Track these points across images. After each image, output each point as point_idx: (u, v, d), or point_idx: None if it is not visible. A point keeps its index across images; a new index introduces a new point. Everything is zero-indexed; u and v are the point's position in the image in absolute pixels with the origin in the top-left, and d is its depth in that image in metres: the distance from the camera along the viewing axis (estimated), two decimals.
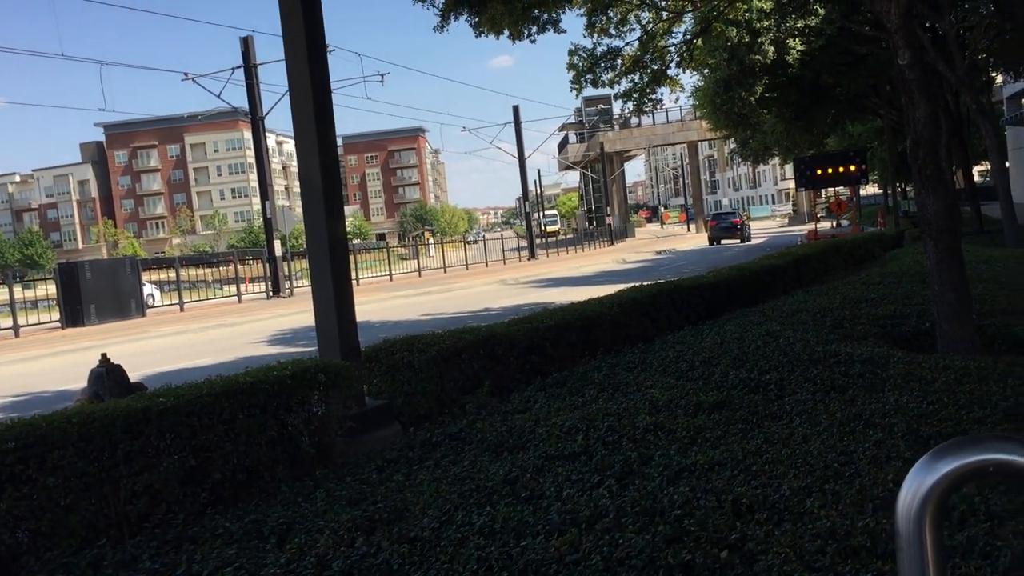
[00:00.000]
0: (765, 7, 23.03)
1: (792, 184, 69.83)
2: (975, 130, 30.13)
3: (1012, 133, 45.96)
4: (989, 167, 38.61)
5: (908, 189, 46.89)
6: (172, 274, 29.34)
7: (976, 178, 40.48)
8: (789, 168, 59.57)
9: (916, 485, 1.22)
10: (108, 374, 6.14)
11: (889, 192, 44.03)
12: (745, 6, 20.91)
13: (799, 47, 23.48)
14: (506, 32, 13.00)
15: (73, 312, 23.20)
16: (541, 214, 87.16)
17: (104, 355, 6.34)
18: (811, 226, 36.03)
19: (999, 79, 37.37)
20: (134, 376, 6.69)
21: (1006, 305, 9.38)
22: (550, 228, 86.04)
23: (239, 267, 32.14)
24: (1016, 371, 5.95)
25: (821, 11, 23.04)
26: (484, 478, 4.61)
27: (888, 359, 6.73)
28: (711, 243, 46.99)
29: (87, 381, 6.22)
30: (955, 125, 25.95)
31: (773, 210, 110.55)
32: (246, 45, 29.48)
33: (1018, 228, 20.98)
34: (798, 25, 23.34)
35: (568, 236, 76.70)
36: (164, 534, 4.25)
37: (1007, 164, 31.93)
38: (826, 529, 3.45)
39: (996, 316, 8.68)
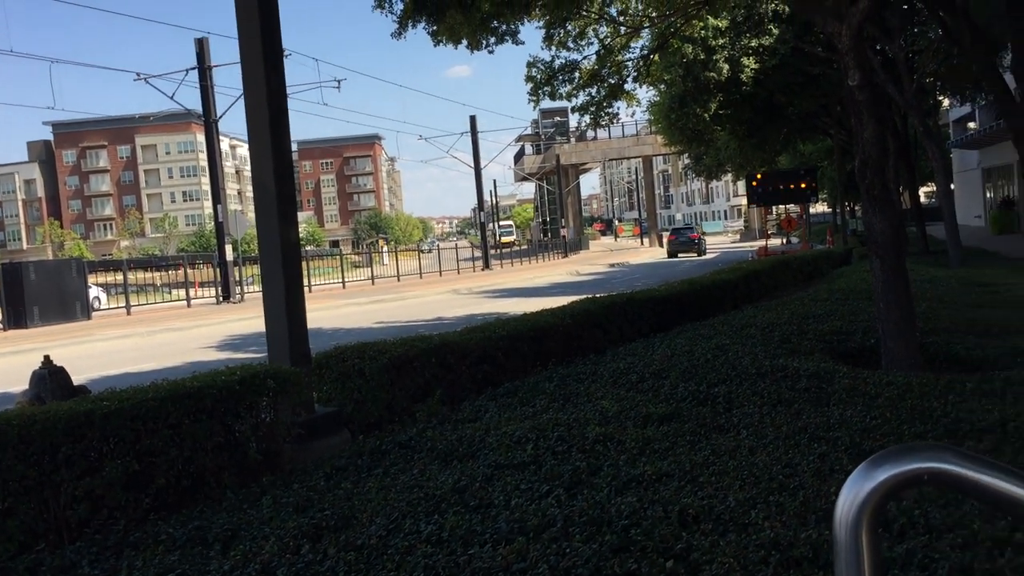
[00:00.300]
0: (721, 25, 23.40)
1: (744, 200, 70.75)
2: (922, 152, 30.85)
3: (958, 156, 47.18)
4: (935, 188, 39.53)
5: (856, 208, 47.80)
6: (119, 277, 28.75)
7: (922, 199, 41.40)
8: (742, 184, 60.50)
9: (854, 492, 1.25)
10: (50, 376, 6.02)
11: (838, 211, 44.84)
12: (701, 24, 21.19)
13: (753, 65, 23.88)
14: (464, 42, 13.01)
15: (16, 313, 22.69)
16: (496, 225, 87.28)
17: (47, 357, 6.22)
18: (762, 242, 36.51)
19: (946, 103, 38.37)
20: (78, 380, 6.55)
21: (948, 324, 9.60)
22: (505, 239, 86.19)
23: (189, 271, 31.65)
24: (956, 388, 6.08)
25: (775, 31, 23.48)
26: (433, 486, 4.60)
27: (833, 374, 6.84)
28: (670, 256, 48.96)
29: (29, 383, 6.08)
30: (903, 146, 26.54)
31: (725, 226, 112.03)
32: (201, 47, 29.17)
33: (962, 249, 21.48)
34: (752, 44, 23.75)
35: (522, 247, 76.87)
36: (105, 540, 4.17)
37: (952, 186, 32.75)
38: (770, 540, 3.49)
39: (939, 334, 8.88)
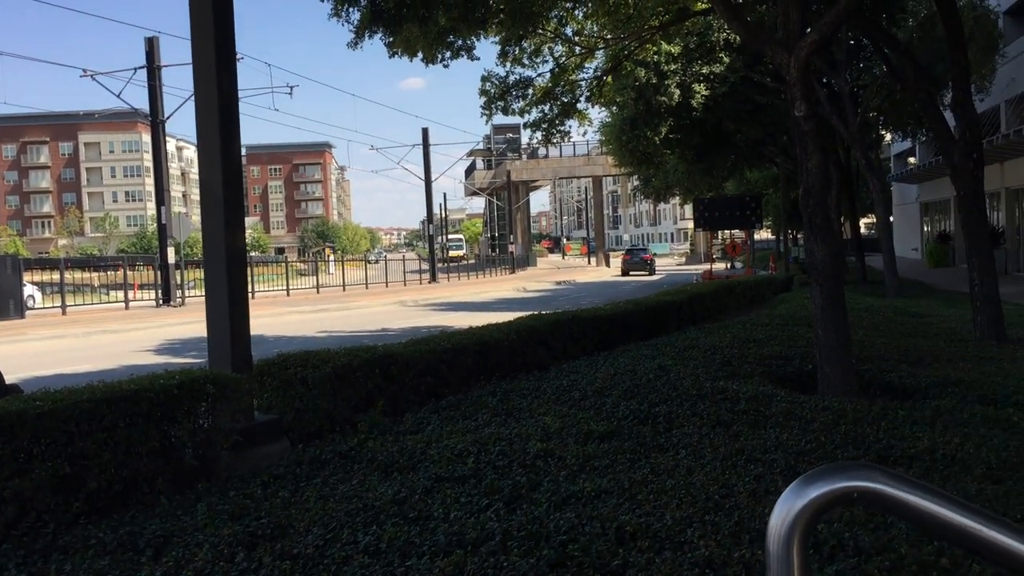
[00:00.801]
0: (673, 51, 23.76)
1: (691, 224, 71.81)
2: (863, 184, 31.57)
3: (897, 189, 48.45)
4: (875, 220, 40.47)
5: (799, 236, 48.77)
6: (56, 276, 28.10)
7: (862, 230, 42.36)
8: (689, 208, 61.51)
9: (787, 508, 1.29)
10: None
11: (781, 238, 45.69)
12: (654, 48, 21.50)
13: (703, 92, 24.27)
14: (420, 55, 13.01)
15: None
16: (445, 238, 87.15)
17: None
18: (707, 266, 37.04)
19: (888, 137, 39.36)
20: (9, 379, 6.39)
21: (883, 352, 9.81)
22: (453, 252, 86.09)
23: (128, 273, 31.02)
24: (889, 415, 6.23)
25: (726, 59, 23.92)
26: (372, 497, 4.57)
27: (772, 398, 6.96)
28: (623, 274, 52.30)
29: None
30: (845, 178, 27.14)
31: (672, 248, 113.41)
32: (151, 45, 28.73)
33: (899, 280, 22.01)
34: (703, 71, 24.14)
35: (470, 262, 76.90)
36: (33, 543, 4.07)
37: (891, 219, 33.57)
38: (704, 559, 3.54)
39: (873, 361, 9.07)
